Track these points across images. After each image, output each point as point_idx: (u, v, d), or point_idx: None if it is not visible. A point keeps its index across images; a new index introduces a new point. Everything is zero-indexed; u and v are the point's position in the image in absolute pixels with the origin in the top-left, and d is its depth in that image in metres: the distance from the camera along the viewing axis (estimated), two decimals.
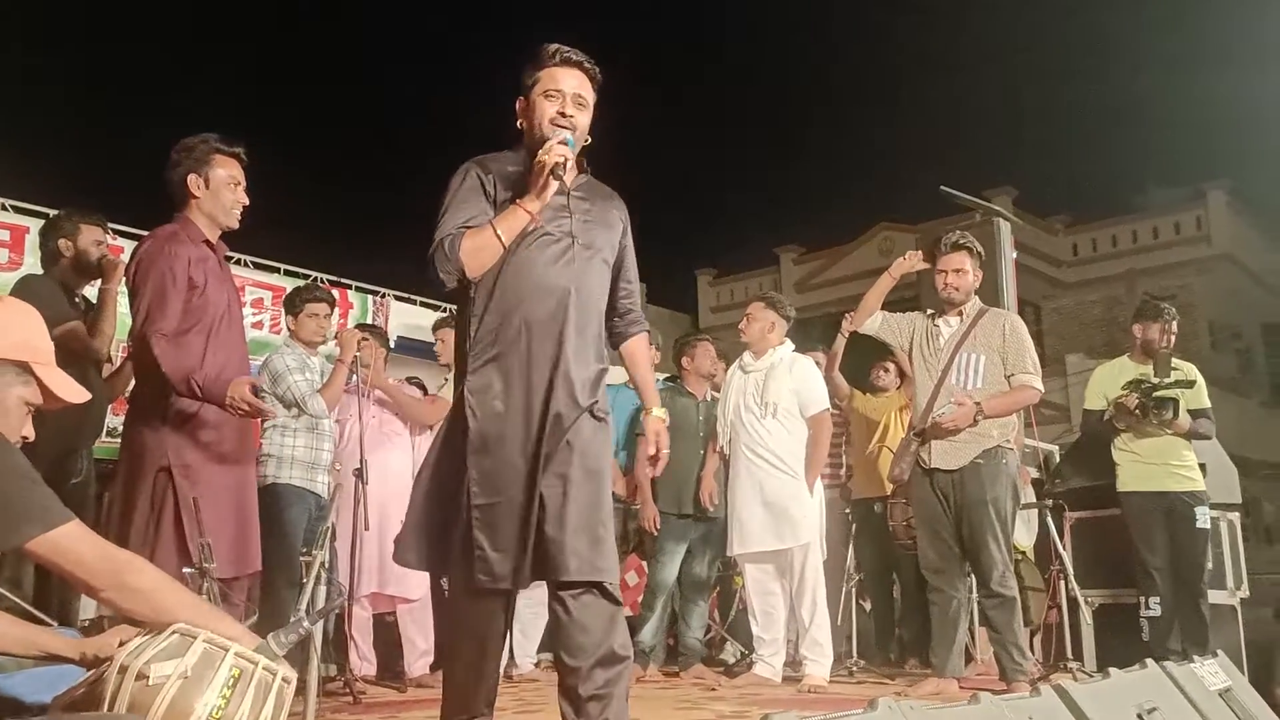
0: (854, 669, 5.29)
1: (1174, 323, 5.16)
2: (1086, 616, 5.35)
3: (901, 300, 5.16)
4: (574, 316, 2.51)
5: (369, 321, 7.69)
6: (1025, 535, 6.09)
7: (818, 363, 5.27)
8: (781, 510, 4.63)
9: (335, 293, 7.22)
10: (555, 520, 2.40)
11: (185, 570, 2.73)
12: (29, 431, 1.89)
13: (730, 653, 6.29)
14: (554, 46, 2.58)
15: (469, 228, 2.47)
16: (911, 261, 4.71)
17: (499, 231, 2.45)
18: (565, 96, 2.55)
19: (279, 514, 4.22)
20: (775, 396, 4.71)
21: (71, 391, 1.92)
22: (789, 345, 4.90)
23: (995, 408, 4.22)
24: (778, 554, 4.70)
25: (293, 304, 4.67)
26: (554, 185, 2.46)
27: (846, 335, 5.30)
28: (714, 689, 4.56)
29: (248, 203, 3.19)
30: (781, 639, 4.84)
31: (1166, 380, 4.92)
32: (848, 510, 5.90)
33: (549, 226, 2.52)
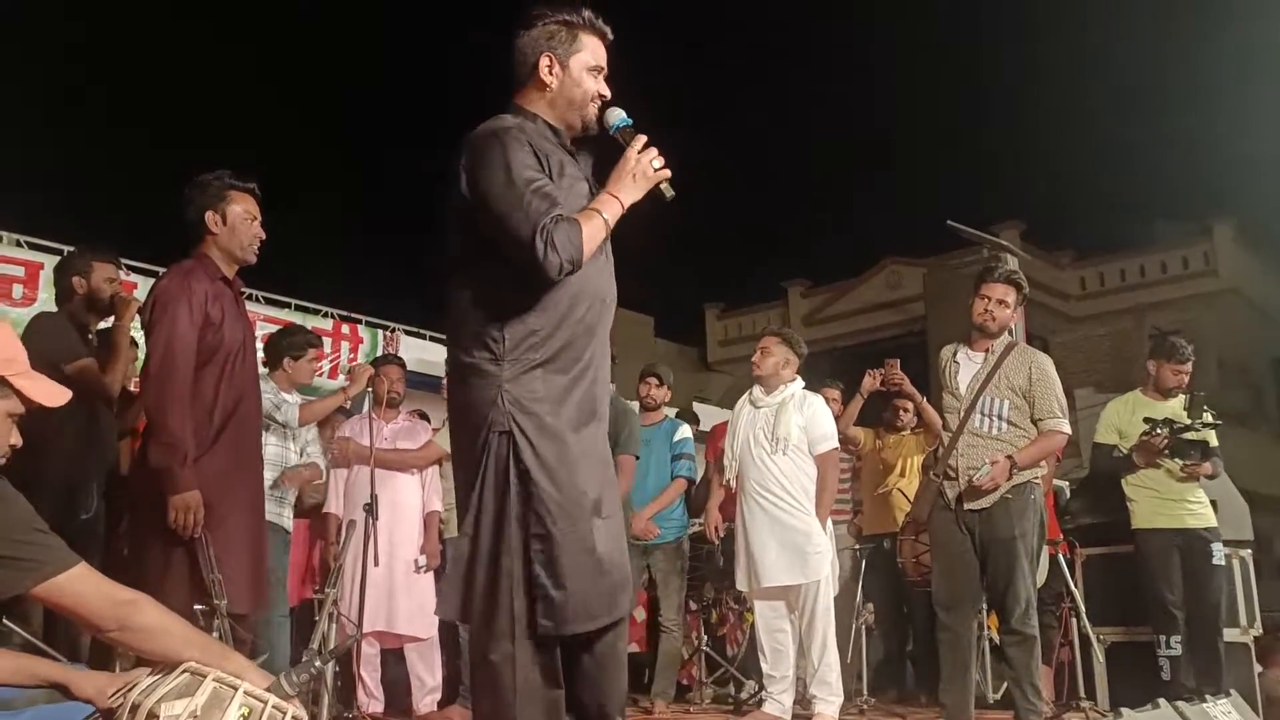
0: (864, 706, 5.25)
1: (1190, 363, 5.12)
2: (1099, 654, 5.30)
3: (910, 335, 5.19)
4: (608, 329, 2.34)
5: (380, 354, 7.69)
6: (1039, 573, 6.05)
7: (831, 400, 5.28)
8: (794, 546, 4.60)
9: (346, 328, 7.28)
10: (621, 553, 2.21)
11: (196, 607, 2.74)
12: (16, 439, 1.93)
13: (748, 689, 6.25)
14: (599, 18, 2.38)
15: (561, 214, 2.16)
16: (891, 373, 4.97)
17: (608, 222, 2.23)
18: (602, 75, 2.37)
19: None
20: (786, 432, 4.70)
21: (51, 395, 1.94)
22: (800, 382, 4.91)
23: (1027, 459, 4.14)
24: (788, 590, 4.68)
25: (294, 348, 4.60)
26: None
27: (865, 396, 5.33)
28: None
29: (264, 237, 3.23)
30: (791, 676, 4.80)
31: (1198, 422, 4.87)
32: (858, 547, 5.87)
33: None
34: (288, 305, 8.03)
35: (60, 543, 1.84)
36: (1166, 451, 4.86)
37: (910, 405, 5.90)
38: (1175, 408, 4.99)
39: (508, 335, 2.20)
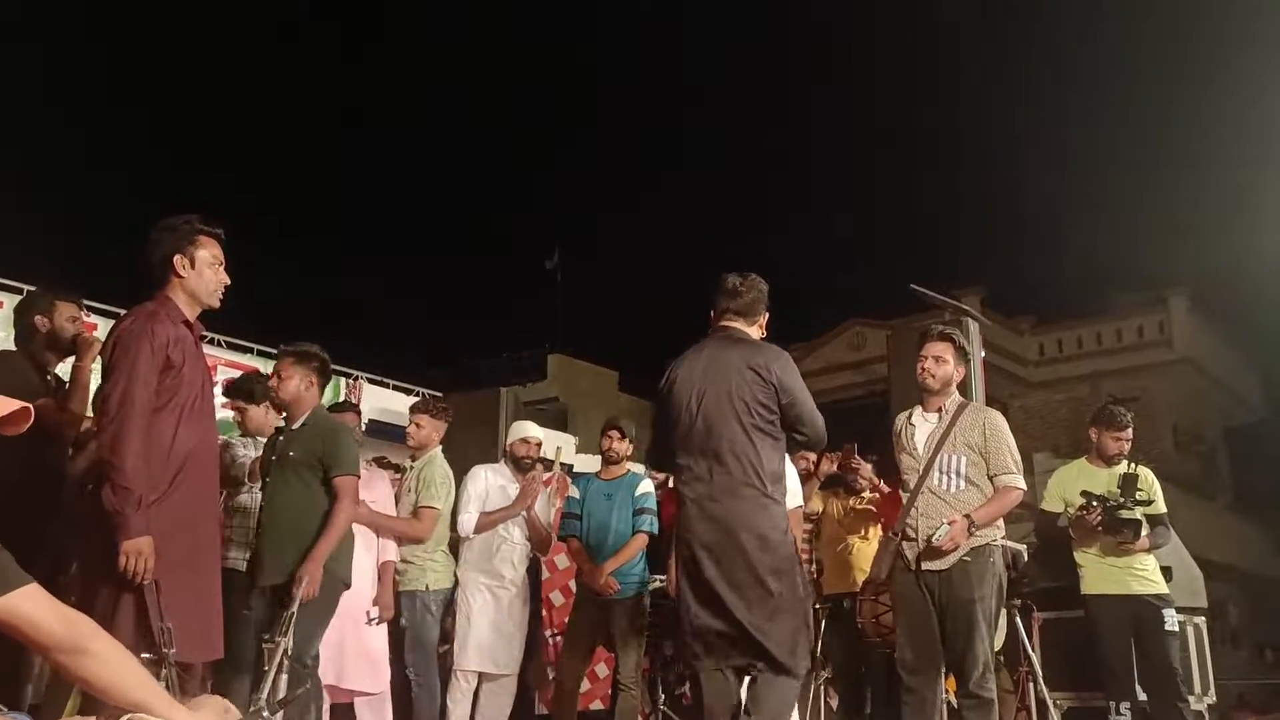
0: None
1: (1129, 429, 5.20)
2: (1055, 719, 5.30)
3: (871, 395, 5.24)
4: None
5: (341, 401, 7.64)
6: (996, 636, 6.06)
7: (801, 457, 5.30)
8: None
9: None
10: None
11: (144, 655, 2.67)
12: None
13: None
14: None
15: None
16: (847, 459, 5.16)
17: None
18: None
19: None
20: None
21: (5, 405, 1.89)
22: None
23: (984, 516, 4.16)
24: None
25: (253, 396, 4.65)
26: None
27: (821, 480, 5.37)
28: None
29: (230, 283, 3.23)
30: None
31: (1130, 500, 4.94)
32: (817, 606, 5.85)
33: None
34: (249, 350, 7.96)
35: (10, 560, 1.79)
36: (1099, 529, 4.93)
37: (869, 468, 5.93)
38: (1116, 477, 5.05)
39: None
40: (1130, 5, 37.47)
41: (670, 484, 5.18)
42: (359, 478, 4.06)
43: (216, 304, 3.22)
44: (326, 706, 4.72)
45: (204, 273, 3.16)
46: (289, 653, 3.41)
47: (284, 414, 4.22)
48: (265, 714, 1.91)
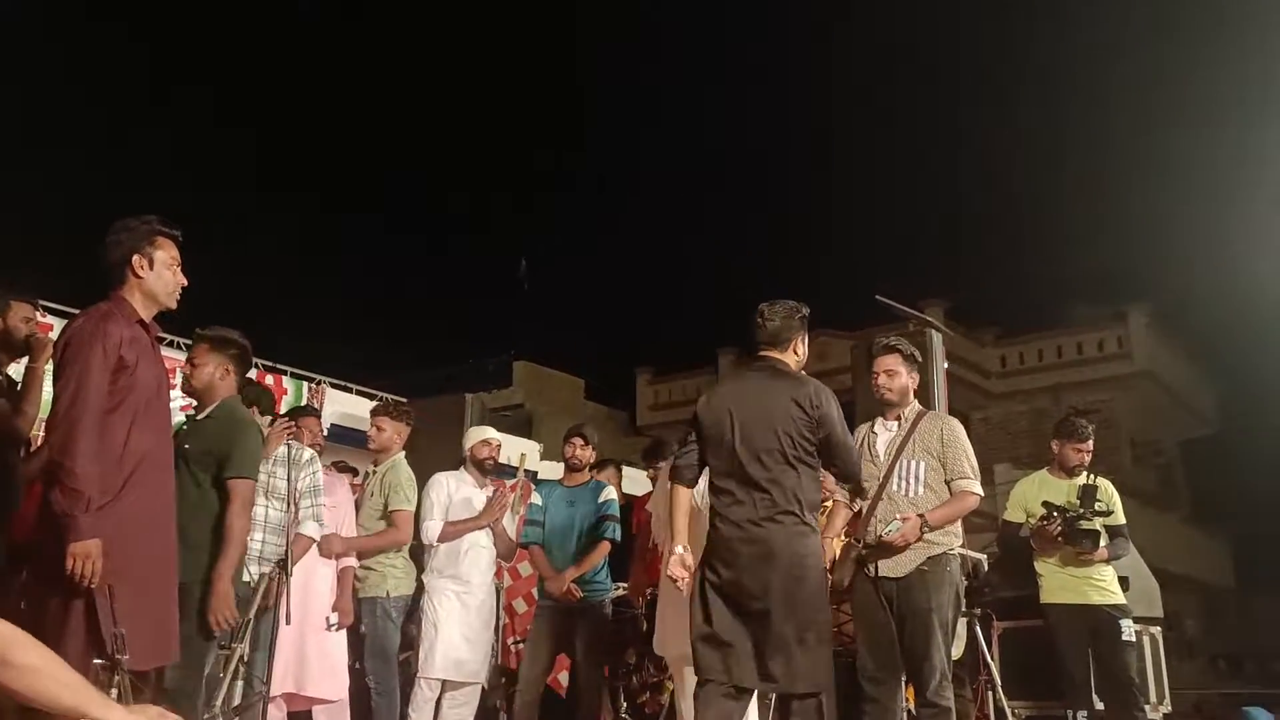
0: None
1: (1090, 441, 5.27)
2: None
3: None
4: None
5: (302, 405, 7.56)
6: (954, 644, 6.10)
7: None
8: None
9: (270, 378, 7.15)
10: None
11: (96, 661, 2.62)
12: None
13: None
14: None
15: None
16: None
17: None
18: None
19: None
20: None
21: None
22: None
23: (939, 518, 4.20)
24: None
25: (261, 404, 4.49)
26: None
27: None
28: None
29: (186, 284, 3.18)
30: None
31: (1090, 511, 5.00)
32: None
33: None
34: None
35: None
36: (1060, 539, 4.99)
37: (831, 479, 5.94)
38: (1076, 488, 5.11)
39: None
40: (1097, 12, 38.07)
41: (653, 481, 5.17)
42: (256, 482, 3.74)
43: (174, 305, 3.17)
44: (284, 715, 4.67)
45: (162, 273, 3.12)
46: (244, 660, 3.36)
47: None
48: None
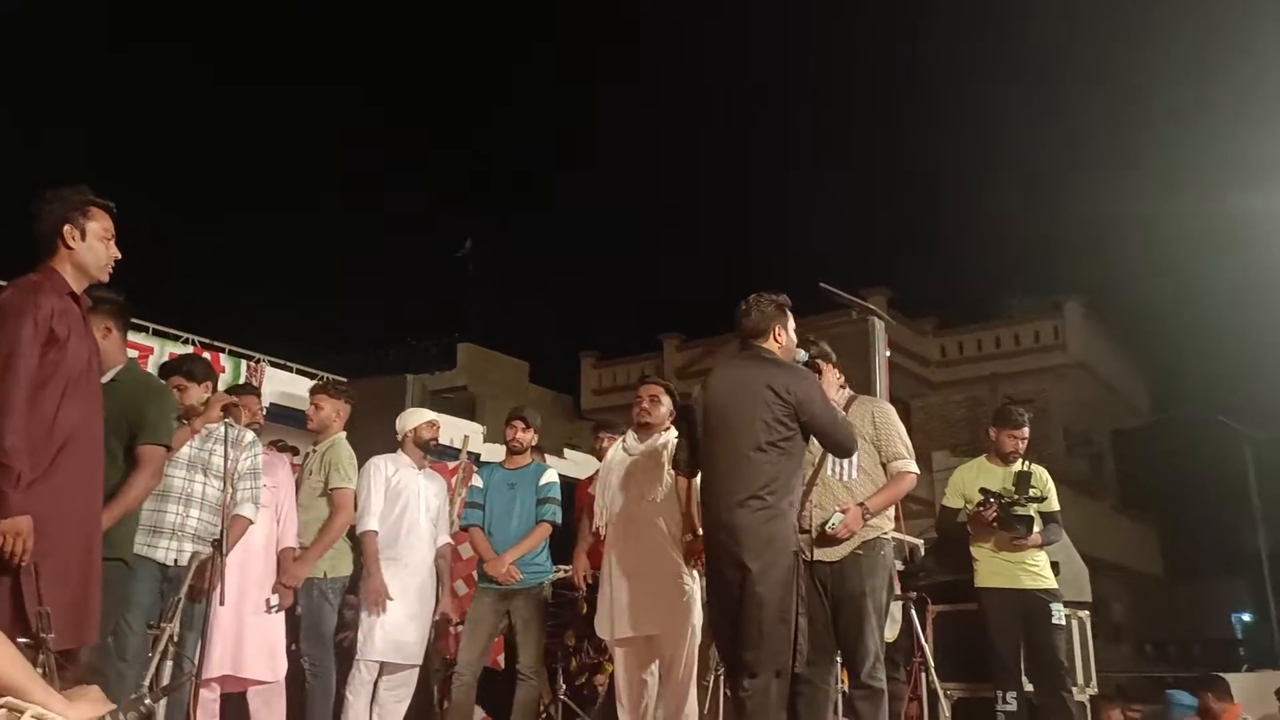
0: None
1: (1026, 429, 5.38)
2: (945, 710, 5.45)
3: None
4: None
5: (241, 384, 7.43)
6: (889, 628, 6.19)
7: None
8: (659, 595, 4.60)
9: (207, 355, 7.01)
10: None
11: (20, 640, 2.56)
12: None
13: None
14: None
15: None
16: None
17: None
18: None
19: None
20: (659, 480, 4.72)
21: None
22: (673, 432, 4.94)
23: (879, 504, 4.25)
24: (651, 639, 4.66)
25: (193, 374, 4.31)
26: None
27: None
28: None
29: (120, 257, 3.11)
30: None
31: (1024, 497, 5.12)
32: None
33: None
34: (145, 329, 7.68)
35: None
36: (995, 524, 5.10)
37: None
38: (1012, 475, 5.23)
39: None
40: (1038, 9, 38.66)
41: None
42: (169, 449, 3.58)
43: (105, 278, 3.10)
44: (216, 697, 4.59)
45: (94, 245, 3.04)
46: (174, 639, 3.30)
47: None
48: (147, 701, 1.84)
